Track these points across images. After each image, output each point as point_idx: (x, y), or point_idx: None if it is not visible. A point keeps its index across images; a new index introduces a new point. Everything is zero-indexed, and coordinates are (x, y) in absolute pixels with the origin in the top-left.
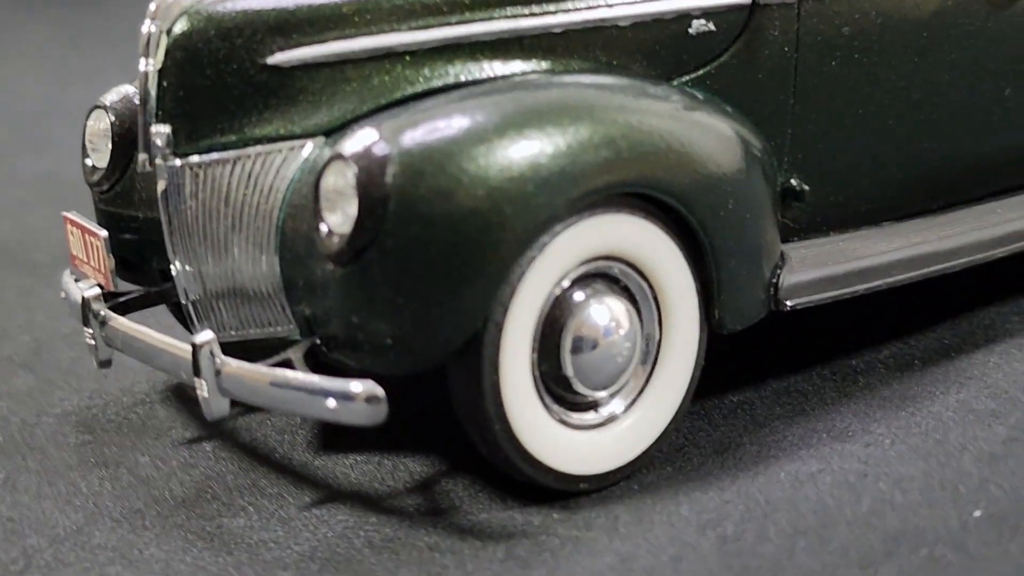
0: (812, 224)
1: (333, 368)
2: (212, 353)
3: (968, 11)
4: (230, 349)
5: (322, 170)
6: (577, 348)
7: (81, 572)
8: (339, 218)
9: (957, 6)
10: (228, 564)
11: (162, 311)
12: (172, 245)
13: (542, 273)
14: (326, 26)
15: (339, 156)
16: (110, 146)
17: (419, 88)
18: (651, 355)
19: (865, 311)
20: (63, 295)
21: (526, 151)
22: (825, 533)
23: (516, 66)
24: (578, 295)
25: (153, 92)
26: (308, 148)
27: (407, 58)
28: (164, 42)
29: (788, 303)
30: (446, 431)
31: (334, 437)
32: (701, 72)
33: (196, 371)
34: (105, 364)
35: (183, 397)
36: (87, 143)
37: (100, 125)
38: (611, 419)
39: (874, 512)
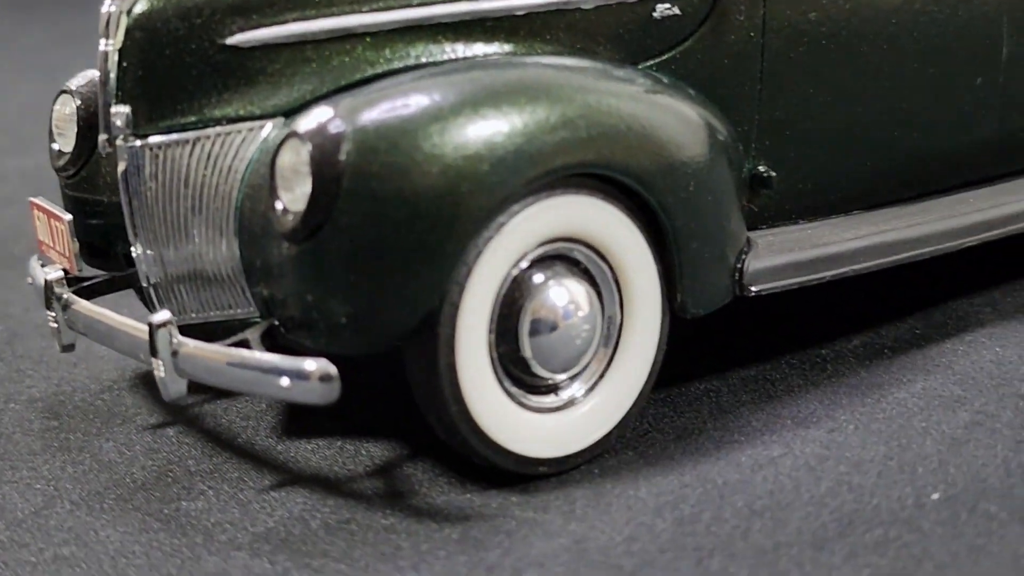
0: (781, 211)
1: (294, 351)
2: (169, 333)
3: None
4: (194, 332)
5: (278, 148)
6: (536, 330)
7: (36, 553)
8: (294, 196)
9: None
10: (182, 545)
11: (133, 297)
12: (133, 227)
13: (499, 253)
14: (286, 7)
15: (294, 134)
16: (76, 130)
17: (380, 69)
18: (612, 339)
19: (838, 302)
20: (30, 281)
21: (482, 130)
22: (781, 514)
23: (478, 48)
24: (537, 277)
25: (113, 73)
26: (267, 129)
27: (367, 39)
28: (124, 22)
29: (753, 288)
30: (410, 416)
31: (298, 423)
32: (666, 56)
33: (153, 351)
34: (68, 348)
35: (151, 384)
36: (53, 128)
37: (66, 110)
38: (571, 402)
39: (831, 493)
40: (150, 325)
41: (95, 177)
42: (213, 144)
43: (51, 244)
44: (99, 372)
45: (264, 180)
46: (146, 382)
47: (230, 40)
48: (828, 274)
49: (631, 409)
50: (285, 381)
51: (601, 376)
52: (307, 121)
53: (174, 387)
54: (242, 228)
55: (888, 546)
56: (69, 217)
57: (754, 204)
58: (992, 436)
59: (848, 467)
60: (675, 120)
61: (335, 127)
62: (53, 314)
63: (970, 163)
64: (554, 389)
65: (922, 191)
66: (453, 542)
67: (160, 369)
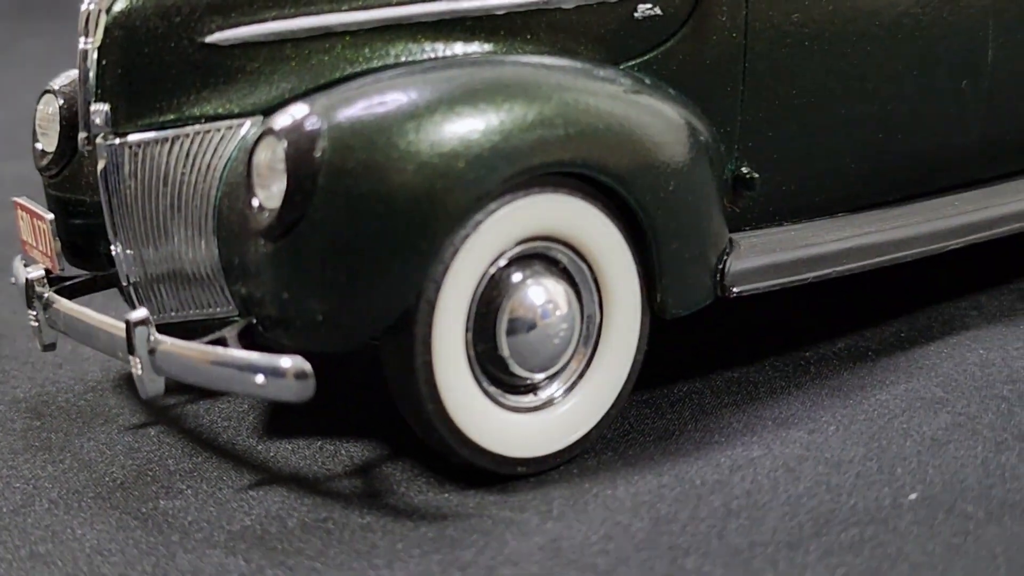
0: (764, 213)
1: (273, 349)
2: (146, 331)
3: (923, 1)
4: (175, 331)
5: (254, 146)
6: (513, 329)
7: (12, 550)
8: (270, 193)
9: None
10: (158, 543)
11: (120, 298)
12: (112, 226)
13: (476, 251)
14: (265, 5)
15: (270, 131)
16: (58, 130)
17: (359, 68)
18: (592, 338)
19: (824, 305)
20: (13, 280)
21: (459, 128)
22: (757, 514)
23: (458, 47)
24: (516, 275)
25: (92, 71)
26: (246, 127)
27: (347, 38)
28: (103, 20)
29: (735, 289)
30: (391, 416)
31: (279, 423)
32: (648, 56)
33: (130, 349)
34: (49, 347)
35: (135, 385)
36: (37, 127)
37: (49, 109)
38: (550, 402)
39: (808, 493)
40: (127, 323)
41: (78, 177)
42: (192, 142)
43: (34, 244)
44: (84, 373)
45: (242, 178)
46: (130, 383)
47: (209, 38)
48: (811, 275)
49: (610, 409)
50: (260, 378)
51: (580, 376)
52: (283, 118)
53: (152, 385)
54: (220, 226)
55: (863, 545)
56: (51, 216)
57: (737, 205)
58: (972, 437)
59: (827, 467)
60: (655, 120)
61: (311, 124)
62: (34, 313)
63: (955, 166)
64: (532, 389)
65: (907, 194)
66: (429, 541)
67: (137, 367)
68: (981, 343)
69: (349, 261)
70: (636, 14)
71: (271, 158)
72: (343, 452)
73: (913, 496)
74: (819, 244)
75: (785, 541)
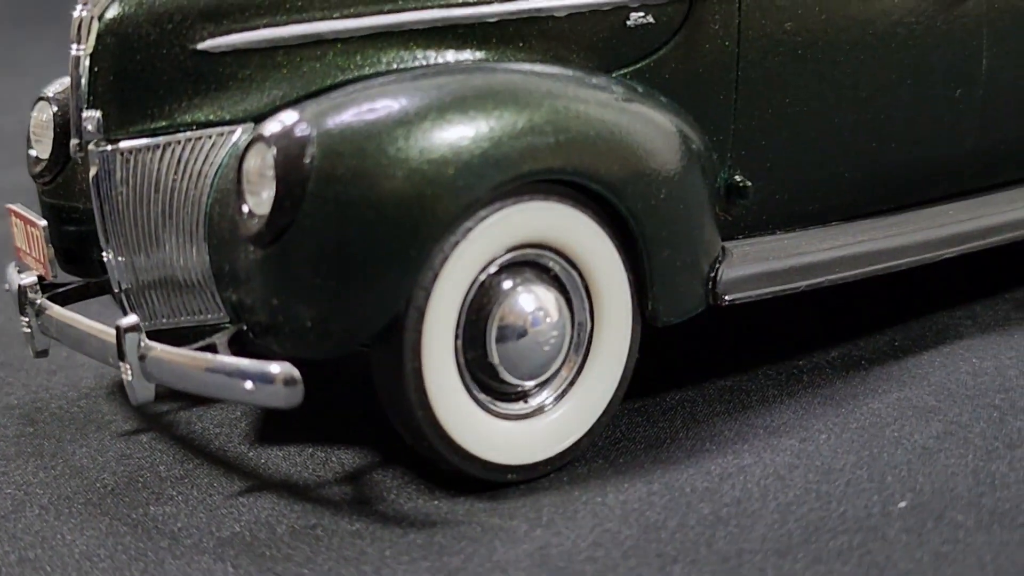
0: (757, 222)
1: (264, 356)
2: (136, 337)
3: (917, 10)
4: (166, 337)
5: (244, 152)
6: (503, 336)
7: (1, 556)
8: (259, 200)
9: (904, 4)
10: (147, 549)
11: (113, 304)
12: (104, 233)
13: (466, 259)
14: (257, 12)
15: (260, 137)
16: (52, 137)
17: (351, 75)
18: (582, 346)
19: (818, 314)
20: (6, 287)
21: (448, 135)
22: (746, 521)
23: (450, 55)
24: (506, 283)
25: (84, 77)
26: (238, 134)
27: (338, 45)
28: (95, 27)
29: (727, 298)
30: (383, 424)
31: (270, 430)
32: (640, 65)
33: (120, 355)
34: (42, 354)
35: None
36: (31, 134)
37: (43, 116)
38: (540, 410)
39: (798, 501)
40: (118, 329)
41: (71, 183)
42: (183, 149)
43: (27, 250)
44: (77, 380)
45: (232, 184)
46: (123, 390)
47: (201, 45)
48: (803, 284)
49: (601, 417)
50: (249, 385)
51: (571, 384)
52: (273, 125)
53: (142, 391)
54: (211, 233)
55: (852, 553)
56: (44, 223)
57: (730, 214)
58: (963, 446)
59: (817, 475)
60: (647, 128)
61: (301, 131)
62: (26, 319)
63: (950, 176)
64: (523, 396)
65: (901, 203)
66: (417, 547)
67: (128, 373)
68: (974, 352)
69: (338, 267)
70: (628, 22)
71: (261, 164)
72: (334, 459)
73: (903, 504)
74: (812, 252)
75: (774, 549)
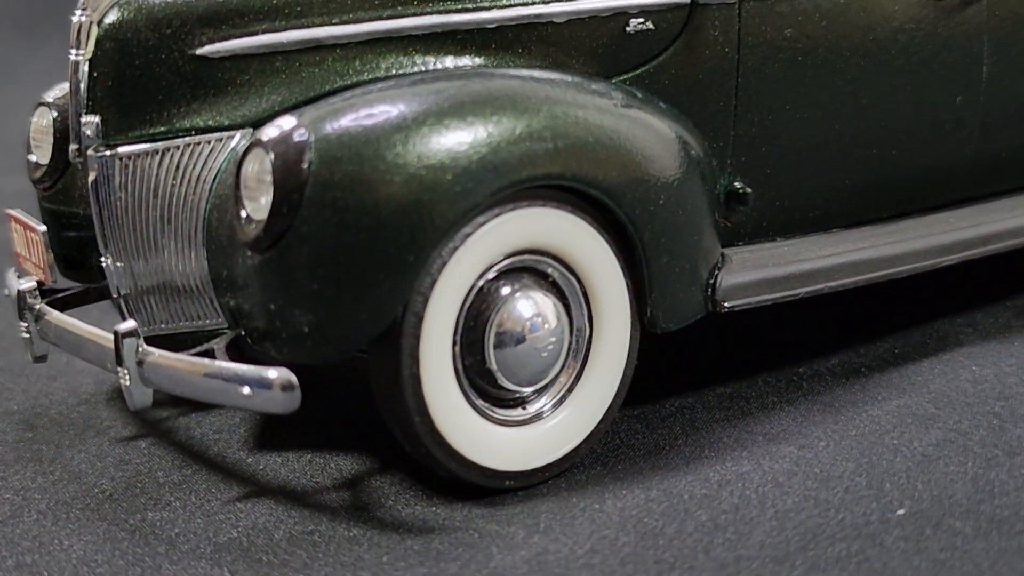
0: (757, 228)
1: (262, 362)
2: (134, 342)
3: (916, 17)
4: (165, 343)
5: (242, 157)
6: (501, 342)
7: None
8: (257, 205)
9: (905, 11)
10: (144, 555)
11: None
12: (103, 238)
13: (464, 264)
14: (256, 18)
15: (258, 143)
16: (52, 142)
17: (349, 81)
18: (581, 352)
19: (820, 321)
20: (6, 292)
21: (446, 140)
22: (744, 528)
23: (449, 61)
24: (504, 288)
25: (83, 83)
26: (236, 139)
27: (337, 51)
28: (95, 32)
29: (726, 304)
30: (382, 431)
31: (269, 437)
32: (640, 71)
33: (118, 360)
34: (41, 359)
35: None
36: (31, 140)
37: (43, 122)
38: (538, 416)
39: (796, 508)
40: (116, 334)
41: (71, 189)
42: (182, 154)
43: (27, 255)
44: (77, 386)
45: (230, 190)
46: (123, 396)
47: (200, 50)
48: (803, 291)
49: (599, 424)
50: (247, 390)
51: (569, 390)
52: (271, 130)
53: (139, 396)
54: (209, 238)
55: (850, 560)
56: (43, 228)
57: (730, 220)
58: (963, 453)
59: (816, 483)
60: (646, 134)
61: (299, 136)
62: (25, 325)
63: (951, 183)
64: (521, 402)
65: (902, 210)
66: (414, 553)
67: (126, 378)
68: (974, 360)
69: (336, 273)
70: (628, 28)
71: (259, 170)
72: (332, 465)
73: (901, 511)
74: (812, 259)
75: (771, 556)
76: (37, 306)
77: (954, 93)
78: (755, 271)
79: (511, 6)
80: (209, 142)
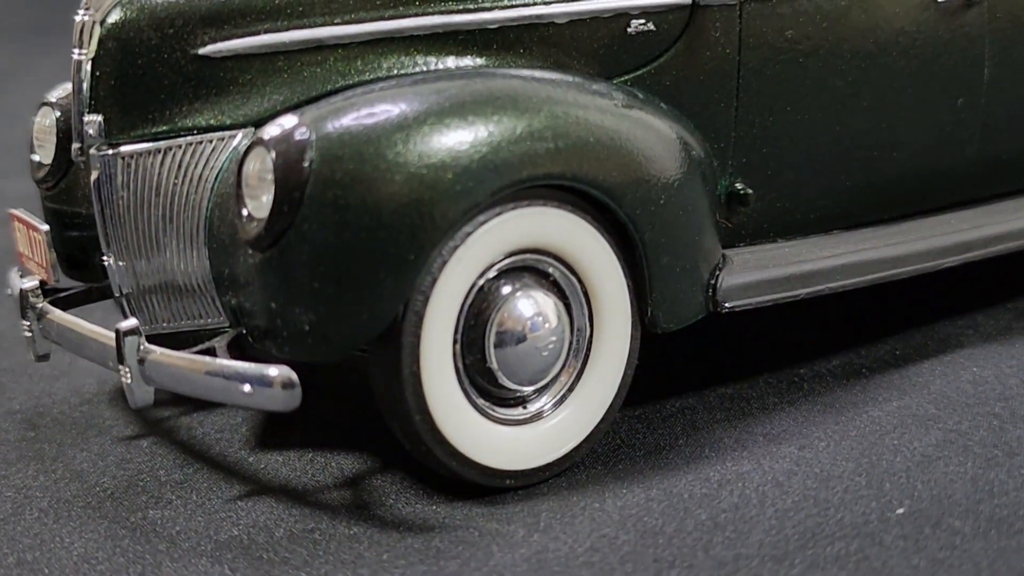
0: (758, 229)
1: (263, 361)
2: (136, 340)
3: (918, 19)
4: (167, 342)
5: (244, 156)
6: (502, 341)
7: (0, 558)
8: (259, 203)
9: (906, 13)
10: (145, 552)
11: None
12: (105, 237)
13: (465, 263)
14: (258, 18)
15: (259, 141)
16: (55, 142)
17: (351, 81)
18: (581, 352)
19: (821, 323)
20: (9, 292)
21: (447, 140)
22: (744, 527)
23: (450, 61)
24: (505, 288)
25: (86, 82)
26: (238, 139)
27: (339, 51)
28: (97, 32)
29: (727, 305)
30: (383, 430)
31: (271, 436)
32: (641, 72)
33: (120, 358)
34: (43, 358)
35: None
36: (34, 140)
37: (46, 121)
38: (539, 415)
39: (796, 508)
40: (117, 332)
41: (74, 189)
42: (184, 153)
43: (30, 255)
44: (80, 386)
45: (232, 189)
46: (125, 396)
47: (202, 50)
48: (804, 292)
49: (600, 423)
50: (248, 388)
51: (570, 389)
52: (272, 129)
53: (141, 394)
54: (211, 237)
55: (849, 559)
56: (46, 228)
57: (731, 221)
58: (963, 454)
59: (816, 482)
60: (647, 134)
61: (300, 135)
62: (28, 323)
63: (952, 185)
64: (521, 401)
65: (903, 212)
66: (414, 551)
67: (127, 376)
68: (975, 361)
69: (337, 271)
70: (629, 29)
71: (260, 168)
72: (333, 464)
73: (901, 511)
74: (813, 260)
75: (771, 554)
76: (39, 305)
77: (955, 95)
78: (756, 272)
79: (512, 7)
80: (211, 141)
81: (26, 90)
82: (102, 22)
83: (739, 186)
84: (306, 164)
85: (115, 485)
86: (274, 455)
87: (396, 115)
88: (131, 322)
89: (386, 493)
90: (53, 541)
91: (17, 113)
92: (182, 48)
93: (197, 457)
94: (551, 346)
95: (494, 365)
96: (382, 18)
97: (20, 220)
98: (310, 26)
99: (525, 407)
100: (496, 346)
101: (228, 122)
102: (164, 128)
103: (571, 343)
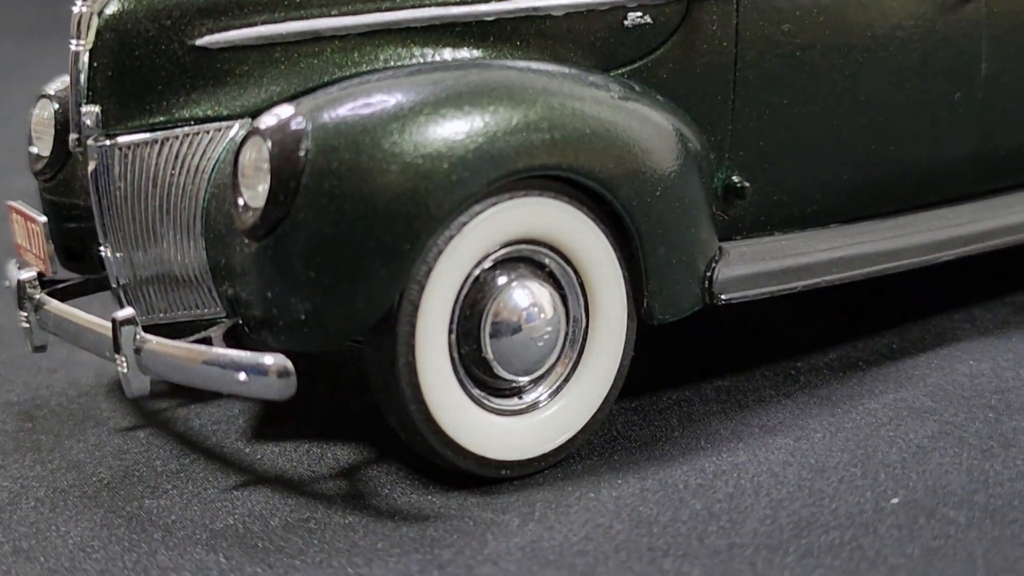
0: (756, 223)
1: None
2: (132, 330)
3: (915, 13)
4: (164, 331)
5: (240, 145)
6: (497, 331)
7: None
8: (255, 193)
9: (903, 7)
10: (140, 540)
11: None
12: (102, 228)
13: (460, 253)
14: (255, 9)
15: (255, 131)
16: (53, 134)
17: (348, 72)
18: (577, 343)
19: (818, 317)
20: (7, 283)
21: (443, 129)
22: (738, 517)
23: (447, 53)
24: (501, 278)
25: (83, 73)
26: (235, 129)
27: (336, 42)
28: (95, 23)
29: (723, 297)
30: (380, 422)
31: (267, 427)
32: (638, 64)
33: (116, 348)
34: (40, 349)
35: None
36: (32, 132)
37: (44, 113)
38: (535, 406)
39: (791, 498)
40: (114, 321)
41: (72, 181)
42: (181, 144)
43: (28, 247)
44: (78, 378)
45: (228, 179)
46: (122, 387)
47: (199, 41)
48: (800, 284)
49: (596, 414)
50: (243, 376)
51: (566, 380)
52: (268, 118)
53: (137, 384)
54: (208, 228)
55: (843, 548)
56: (44, 219)
57: (728, 214)
58: (959, 445)
59: (811, 473)
60: (643, 126)
61: (296, 124)
62: (25, 314)
63: (950, 179)
64: (517, 392)
65: (901, 206)
66: (409, 540)
67: (123, 365)
68: (972, 355)
69: (332, 261)
70: (626, 22)
71: (256, 158)
72: (329, 455)
73: (895, 501)
74: (809, 253)
75: (765, 543)
76: (37, 296)
77: (952, 90)
78: (753, 264)
79: None
80: (208, 132)
81: (27, 88)
82: (100, 13)
83: (736, 179)
84: (302, 153)
85: (111, 475)
86: (270, 446)
87: (392, 105)
88: (127, 311)
89: (381, 483)
90: (49, 530)
91: (17, 111)
92: (179, 39)
93: (193, 448)
94: (547, 336)
95: (490, 355)
96: (379, 9)
97: (18, 212)
98: (307, 17)
99: (521, 397)
100: (492, 336)
101: (225, 113)
102: (161, 119)
103: (567, 334)
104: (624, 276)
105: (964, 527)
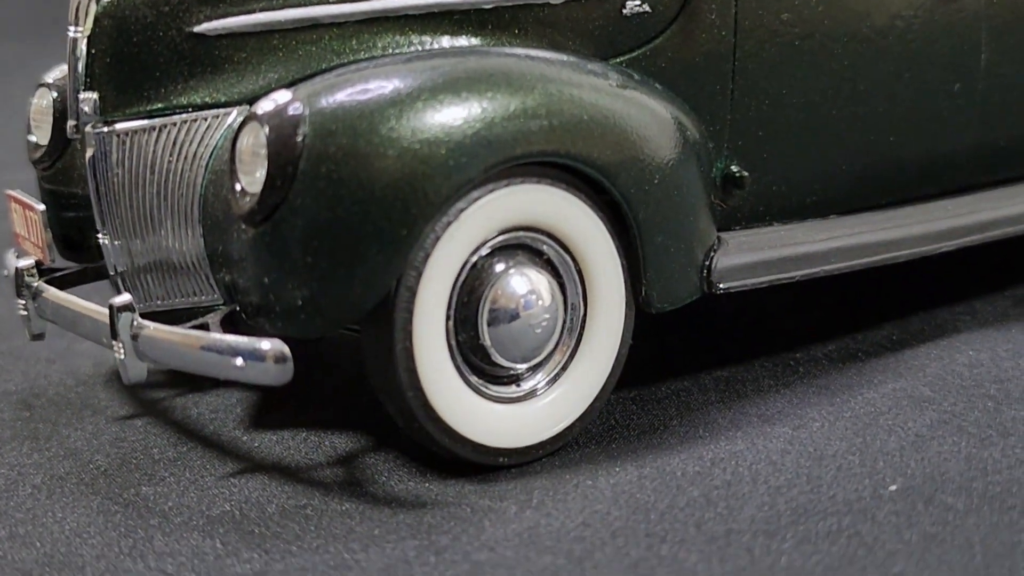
0: (754, 212)
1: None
2: (130, 316)
3: (915, 3)
4: (161, 319)
5: (238, 131)
6: (495, 318)
7: None
8: (252, 178)
9: None
10: (137, 527)
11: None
12: (100, 215)
13: (458, 240)
14: None
15: (253, 116)
16: (52, 122)
17: (346, 59)
18: (575, 330)
19: (818, 308)
20: (5, 273)
21: (441, 116)
22: (736, 503)
23: (445, 40)
24: (498, 265)
25: (81, 60)
26: (233, 116)
27: (334, 29)
28: (93, 9)
29: (721, 286)
30: (378, 410)
31: (265, 416)
32: (636, 53)
33: (113, 334)
34: (38, 337)
35: None
36: (31, 120)
37: (43, 102)
38: (532, 393)
39: (788, 485)
40: (111, 308)
41: (70, 170)
42: (179, 131)
43: (26, 235)
44: (76, 368)
45: (226, 165)
46: (120, 376)
47: (197, 28)
48: (799, 274)
49: (594, 402)
50: (240, 361)
51: (563, 368)
52: (266, 104)
53: (134, 370)
54: (206, 215)
55: (840, 534)
56: (42, 207)
57: (726, 203)
58: (957, 434)
59: (809, 461)
60: (642, 114)
61: (293, 110)
62: (23, 302)
63: (949, 170)
64: (515, 379)
65: (899, 198)
66: (406, 527)
67: (120, 351)
68: (971, 345)
69: (329, 246)
70: (625, 11)
71: (253, 143)
72: (326, 442)
73: (893, 488)
74: (808, 243)
75: (762, 529)
76: (35, 284)
77: (952, 80)
78: (751, 253)
79: None
80: (206, 119)
81: (27, 87)
82: (98, 0)
83: (735, 168)
84: (299, 139)
85: (109, 463)
86: (267, 434)
87: (390, 91)
88: (125, 297)
89: (378, 470)
90: (46, 516)
91: (17, 111)
92: (177, 26)
93: (191, 436)
94: (544, 324)
95: (487, 342)
96: None
97: (16, 200)
98: (305, 4)
99: (519, 385)
100: (489, 323)
101: (223, 100)
102: (159, 106)
103: (565, 321)
104: (622, 264)
105: (962, 513)
